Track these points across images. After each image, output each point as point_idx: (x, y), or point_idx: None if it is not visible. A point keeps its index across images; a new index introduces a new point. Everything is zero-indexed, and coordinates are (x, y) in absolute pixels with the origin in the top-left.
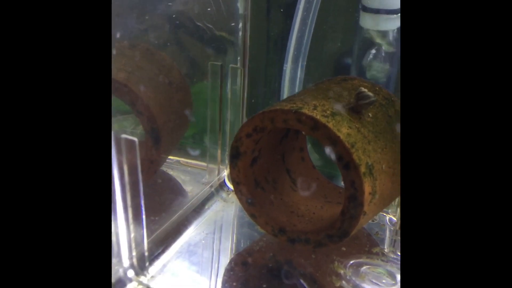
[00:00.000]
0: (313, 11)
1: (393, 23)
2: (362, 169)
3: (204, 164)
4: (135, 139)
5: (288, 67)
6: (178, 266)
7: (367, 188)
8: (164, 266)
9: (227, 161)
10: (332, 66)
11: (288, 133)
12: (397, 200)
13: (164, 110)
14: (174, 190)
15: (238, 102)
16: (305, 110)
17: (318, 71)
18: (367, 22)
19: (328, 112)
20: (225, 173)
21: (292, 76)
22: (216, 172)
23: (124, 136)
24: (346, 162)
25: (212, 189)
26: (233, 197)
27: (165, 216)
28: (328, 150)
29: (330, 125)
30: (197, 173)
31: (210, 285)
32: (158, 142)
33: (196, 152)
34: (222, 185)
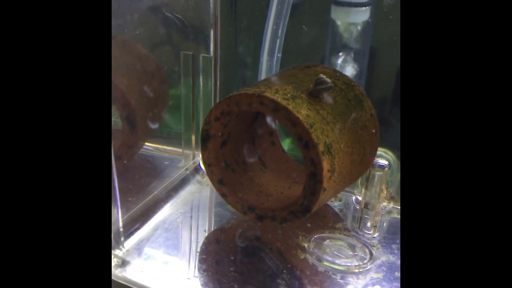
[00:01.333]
0: (287, 4)
1: (363, 15)
2: (321, 147)
3: (180, 150)
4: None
5: (264, 59)
6: (154, 242)
7: (325, 165)
8: (140, 241)
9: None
10: (306, 59)
11: (257, 117)
12: (361, 180)
13: (139, 97)
14: (151, 173)
15: (209, 91)
16: (267, 94)
17: (293, 64)
18: (338, 15)
19: (288, 95)
20: (200, 157)
21: (268, 68)
22: (191, 157)
23: None
24: (306, 142)
25: (187, 172)
26: (207, 180)
27: (141, 197)
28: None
29: (290, 107)
30: (174, 159)
31: (185, 258)
32: (134, 128)
33: (172, 139)
34: (197, 168)
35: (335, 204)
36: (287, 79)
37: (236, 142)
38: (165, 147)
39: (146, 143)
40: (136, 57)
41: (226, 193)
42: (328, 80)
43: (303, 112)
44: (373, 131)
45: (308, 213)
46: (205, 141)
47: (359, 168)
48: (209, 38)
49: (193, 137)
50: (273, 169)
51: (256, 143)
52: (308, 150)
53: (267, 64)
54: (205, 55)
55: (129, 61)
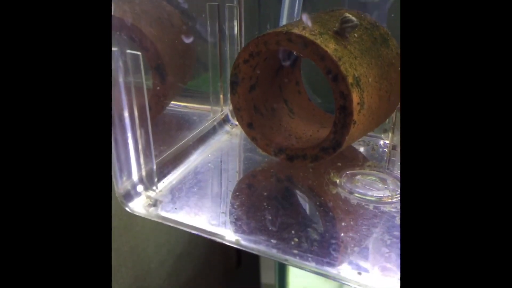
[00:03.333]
0: None
1: None
2: (350, 80)
3: (209, 107)
4: (139, 53)
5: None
6: (186, 184)
7: (355, 98)
8: (172, 183)
9: (229, 102)
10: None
11: (283, 66)
12: (389, 123)
13: (168, 48)
14: (180, 125)
15: (235, 42)
16: (295, 31)
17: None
18: None
19: (316, 31)
20: (229, 111)
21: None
22: (220, 111)
23: (129, 51)
24: (335, 74)
25: (215, 123)
26: (236, 130)
27: (172, 144)
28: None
29: (318, 41)
30: (203, 114)
31: (218, 196)
32: (164, 77)
33: (201, 98)
34: (226, 120)
35: (363, 148)
36: (313, 20)
37: (264, 88)
38: (194, 105)
39: (175, 102)
40: (163, 10)
41: (256, 136)
42: (354, 18)
43: (331, 46)
44: (400, 68)
45: (339, 148)
46: (234, 85)
47: (387, 105)
48: None
49: (221, 95)
50: (300, 115)
51: (283, 91)
52: (337, 83)
53: (289, 12)
54: (230, 4)
55: (157, 14)
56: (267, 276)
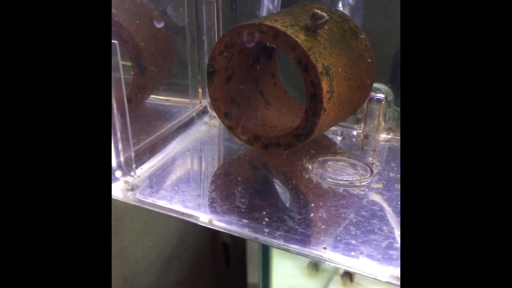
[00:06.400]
0: None
1: None
2: (319, 68)
3: (188, 100)
4: (115, 41)
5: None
6: (164, 170)
7: (324, 86)
8: (150, 169)
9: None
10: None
11: (260, 57)
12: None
13: (148, 42)
14: (160, 116)
15: (214, 37)
16: (267, 22)
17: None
18: None
19: (287, 23)
20: (208, 103)
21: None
22: (199, 103)
23: None
24: (305, 64)
25: (194, 114)
26: (215, 121)
27: (151, 132)
28: None
29: (289, 32)
30: (183, 107)
31: (194, 181)
32: (143, 69)
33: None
34: (204, 111)
35: (336, 137)
36: (285, 13)
37: (240, 79)
38: (175, 98)
39: (157, 96)
40: (142, 4)
41: (232, 125)
42: (324, 14)
43: (301, 37)
44: (369, 60)
45: (311, 134)
46: (211, 76)
47: (357, 95)
48: None
49: (200, 89)
50: (276, 106)
51: (259, 83)
52: (307, 72)
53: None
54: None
55: (136, 8)
56: (253, 275)
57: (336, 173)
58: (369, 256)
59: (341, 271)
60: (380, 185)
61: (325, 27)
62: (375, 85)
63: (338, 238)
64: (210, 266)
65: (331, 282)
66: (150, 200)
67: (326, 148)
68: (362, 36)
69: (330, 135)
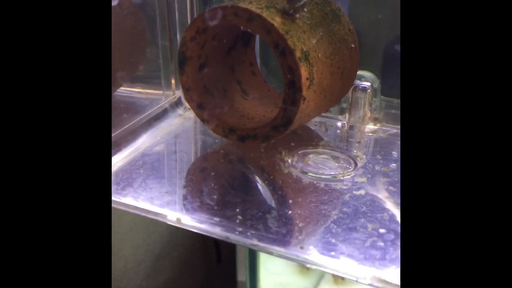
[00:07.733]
0: None
1: None
2: (297, 54)
3: (161, 92)
4: None
5: None
6: (132, 165)
7: (303, 73)
8: (117, 165)
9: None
10: None
11: (236, 44)
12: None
13: (115, 33)
14: (128, 109)
15: (186, 23)
16: (241, 5)
17: None
18: None
19: (262, 5)
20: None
21: None
22: (172, 95)
23: None
24: (282, 49)
25: (167, 106)
26: (190, 114)
27: (118, 126)
28: None
29: (264, 15)
30: (155, 99)
31: (163, 177)
32: None
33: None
34: (179, 103)
35: (318, 128)
36: None
37: (215, 68)
38: (147, 90)
39: (128, 88)
40: None
41: (206, 117)
42: None
43: (277, 19)
44: (352, 45)
45: (290, 125)
46: (182, 64)
47: (340, 83)
48: None
49: (173, 79)
50: (254, 96)
51: (236, 72)
52: (285, 57)
53: None
54: None
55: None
56: (243, 273)
57: (318, 167)
58: (350, 256)
59: None
60: (364, 179)
61: (305, 9)
62: (359, 72)
63: (317, 237)
64: (201, 263)
65: (322, 280)
66: (116, 198)
67: (308, 140)
68: (344, 19)
69: (312, 127)
